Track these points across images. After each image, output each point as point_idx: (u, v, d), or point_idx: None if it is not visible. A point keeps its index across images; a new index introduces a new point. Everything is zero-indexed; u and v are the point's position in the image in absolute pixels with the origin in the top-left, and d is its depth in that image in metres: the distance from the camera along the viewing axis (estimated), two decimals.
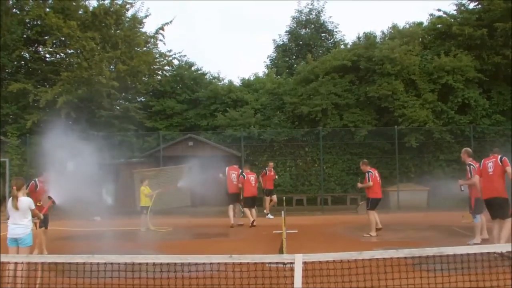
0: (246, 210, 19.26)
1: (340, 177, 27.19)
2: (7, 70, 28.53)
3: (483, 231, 13.50)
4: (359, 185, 16.80)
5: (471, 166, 13.35)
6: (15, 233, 8.94)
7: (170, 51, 32.68)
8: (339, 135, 27.03)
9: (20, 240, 8.92)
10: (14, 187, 9.06)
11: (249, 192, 19.43)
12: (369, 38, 30.01)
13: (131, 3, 30.41)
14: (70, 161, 17.60)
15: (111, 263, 5.96)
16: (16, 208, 8.93)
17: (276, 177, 23.07)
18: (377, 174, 16.21)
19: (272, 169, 22.83)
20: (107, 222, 20.52)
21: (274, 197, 22.39)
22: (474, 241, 13.14)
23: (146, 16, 31.01)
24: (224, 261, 5.80)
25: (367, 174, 16.09)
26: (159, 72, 32.72)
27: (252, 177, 19.66)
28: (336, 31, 44.18)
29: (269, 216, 21.44)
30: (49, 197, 11.81)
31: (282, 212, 15.24)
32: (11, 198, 9.08)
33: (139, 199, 19.83)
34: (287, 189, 26.72)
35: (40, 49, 30.29)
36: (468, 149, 14.32)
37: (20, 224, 8.95)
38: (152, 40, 31.91)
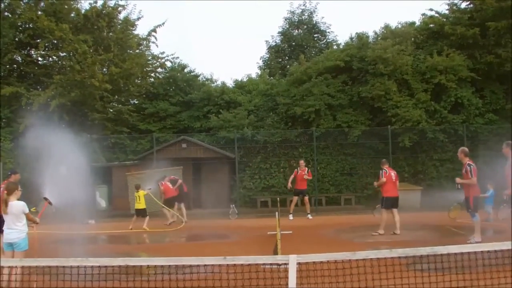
0: (165, 210, 20.36)
1: (334, 178, 27.17)
2: None
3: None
4: (375, 183, 16.76)
5: (471, 166, 13.38)
6: (9, 238, 8.89)
7: (162, 53, 32.74)
8: (333, 136, 27.03)
9: (15, 244, 8.86)
10: (5, 192, 9.02)
11: (170, 194, 20.58)
12: (361, 38, 30.03)
13: (123, 6, 30.41)
14: (63, 164, 17.51)
15: (105, 266, 5.95)
16: (4, 213, 8.89)
17: (306, 177, 21.44)
18: (392, 173, 16.14)
19: (306, 168, 21.66)
20: (101, 225, 20.51)
21: (306, 198, 21.61)
22: (476, 239, 13.10)
23: (138, 18, 31.06)
24: (218, 263, 5.79)
25: (380, 171, 16.16)
26: (152, 74, 32.75)
27: (168, 183, 20.84)
28: (328, 32, 44.28)
29: (291, 217, 21.03)
30: (45, 198, 11.67)
31: (276, 213, 15.24)
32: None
33: (133, 203, 19.96)
34: (281, 190, 26.70)
35: (33, 52, 30.17)
36: (465, 148, 14.32)
37: (14, 228, 8.89)
38: (144, 42, 31.92)
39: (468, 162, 13.58)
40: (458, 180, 13.74)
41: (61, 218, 18.41)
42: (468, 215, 13.81)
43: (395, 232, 15.50)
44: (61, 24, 26.46)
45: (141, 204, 19.35)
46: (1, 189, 12.82)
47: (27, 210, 9.08)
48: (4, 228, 9.02)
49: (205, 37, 78.37)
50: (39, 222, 10.20)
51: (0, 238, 9.62)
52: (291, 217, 20.95)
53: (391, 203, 15.87)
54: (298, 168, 21.60)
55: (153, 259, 5.97)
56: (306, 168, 21.70)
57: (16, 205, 8.98)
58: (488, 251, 5.99)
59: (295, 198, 21.48)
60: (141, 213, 19.33)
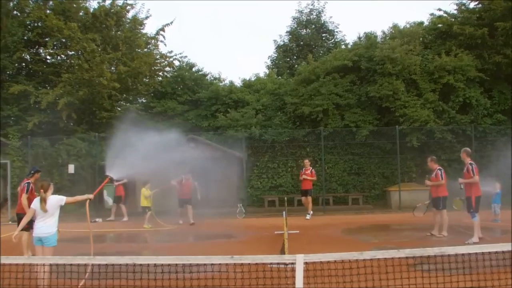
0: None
1: (341, 177, 27.14)
2: (8, 72, 28.57)
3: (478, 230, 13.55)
4: (429, 182, 15.66)
5: (473, 165, 13.41)
6: (39, 232, 8.92)
7: (170, 52, 32.91)
8: (341, 135, 26.98)
9: (45, 239, 8.89)
10: (41, 190, 9.04)
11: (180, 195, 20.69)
12: (369, 38, 30.01)
13: (131, 5, 30.53)
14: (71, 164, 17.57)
15: (112, 264, 5.95)
16: (44, 210, 8.92)
17: (305, 177, 21.06)
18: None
19: (310, 168, 21.33)
20: (108, 224, 20.55)
21: (308, 198, 21.19)
22: (473, 239, 13.16)
23: (146, 17, 31.21)
24: (225, 262, 5.79)
25: (439, 171, 15.36)
26: (160, 73, 32.80)
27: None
28: (336, 31, 44.19)
29: (308, 216, 20.97)
30: (106, 175, 11.59)
31: (284, 212, 15.23)
32: (38, 198, 9.06)
33: (139, 200, 20.06)
34: (289, 190, 26.73)
35: (41, 50, 30.35)
36: (468, 149, 14.35)
37: (47, 223, 8.94)
38: (152, 41, 31.98)
39: (469, 161, 13.62)
40: (460, 180, 13.75)
41: (67, 216, 18.52)
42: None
43: (443, 234, 15.15)
44: (69, 23, 26.59)
45: (141, 203, 19.63)
46: (21, 186, 12.87)
47: (63, 202, 9.08)
48: (36, 222, 9.05)
49: (213, 36, 78.49)
50: (92, 198, 10.06)
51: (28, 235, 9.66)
52: (308, 216, 20.99)
53: (446, 202, 15.50)
54: (304, 168, 21.63)
55: (161, 258, 5.97)
56: (310, 168, 21.49)
57: (53, 199, 9.02)
58: (496, 252, 5.98)
59: (303, 198, 21.45)
60: (143, 209, 19.66)
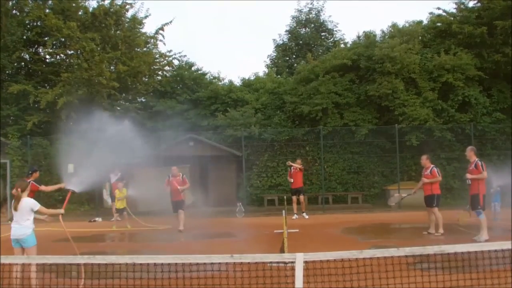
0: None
1: (341, 176, 27.10)
2: (7, 72, 28.53)
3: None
4: (426, 180, 15.85)
5: (482, 161, 13.52)
6: (16, 234, 8.94)
7: (170, 51, 32.79)
8: (340, 134, 26.98)
9: (22, 241, 8.92)
10: (19, 189, 9.09)
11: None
12: (369, 37, 29.99)
13: (130, 4, 30.46)
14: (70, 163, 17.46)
15: (112, 264, 5.95)
16: (15, 209, 8.95)
17: (292, 164, 21.31)
18: None
19: (299, 166, 21.17)
20: (108, 223, 20.53)
21: (301, 198, 21.15)
22: (483, 237, 13.13)
23: (146, 17, 31.10)
24: (225, 261, 5.78)
25: (435, 169, 15.87)
26: (159, 73, 32.73)
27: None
28: (336, 30, 44.26)
29: (295, 216, 20.65)
30: (68, 189, 11.61)
31: (283, 211, 15.24)
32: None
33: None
34: (288, 189, 26.62)
35: (40, 50, 30.29)
36: (474, 147, 14.48)
37: (22, 224, 8.95)
38: (152, 40, 31.92)
39: (477, 159, 13.70)
40: (468, 175, 13.75)
41: (68, 215, 18.48)
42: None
43: (440, 231, 15.20)
44: (69, 22, 26.53)
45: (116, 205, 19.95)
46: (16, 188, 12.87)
47: (36, 208, 9.12)
48: (12, 224, 9.08)
49: (212, 36, 78.44)
50: (64, 213, 10.22)
51: None
52: (294, 216, 20.82)
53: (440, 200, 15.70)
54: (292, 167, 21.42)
55: (161, 257, 5.96)
56: (298, 166, 21.23)
57: (26, 202, 9.05)
58: (495, 250, 5.98)
59: (294, 198, 21.23)
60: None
